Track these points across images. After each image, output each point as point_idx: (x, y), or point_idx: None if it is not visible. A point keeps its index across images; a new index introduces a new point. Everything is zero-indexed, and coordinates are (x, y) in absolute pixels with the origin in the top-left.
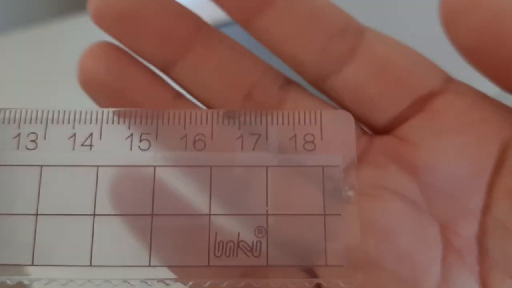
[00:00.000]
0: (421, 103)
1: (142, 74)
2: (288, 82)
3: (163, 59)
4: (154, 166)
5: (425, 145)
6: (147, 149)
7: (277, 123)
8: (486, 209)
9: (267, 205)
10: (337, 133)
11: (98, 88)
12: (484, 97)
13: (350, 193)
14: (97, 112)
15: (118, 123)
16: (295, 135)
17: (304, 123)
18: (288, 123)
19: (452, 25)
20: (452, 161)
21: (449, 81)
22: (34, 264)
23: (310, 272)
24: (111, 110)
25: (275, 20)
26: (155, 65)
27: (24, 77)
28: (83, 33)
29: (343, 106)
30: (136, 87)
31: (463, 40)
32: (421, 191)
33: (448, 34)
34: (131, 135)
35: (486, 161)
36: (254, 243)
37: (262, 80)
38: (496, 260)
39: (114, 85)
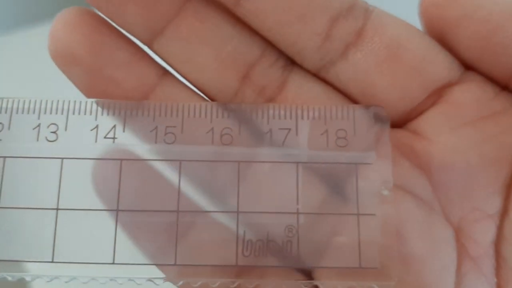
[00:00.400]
0: (437, 94)
1: (122, 46)
2: (290, 63)
3: (146, 29)
4: (180, 161)
5: (441, 141)
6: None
7: (308, 118)
8: (504, 212)
9: (297, 203)
10: (371, 129)
11: (71, 62)
12: (504, 87)
13: (385, 192)
14: (120, 104)
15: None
16: (326, 131)
17: (336, 118)
18: (320, 118)
19: (445, 41)
20: (469, 159)
21: (466, 70)
22: (54, 261)
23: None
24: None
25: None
26: (136, 36)
27: (27, 77)
28: None
29: (349, 97)
30: (115, 62)
31: (463, 56)
32: (434, 191)
33: (445, 45)
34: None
35: (505, 159)
36: (284, 243)
37: (262, 60)
38: None
39: (90, 59)
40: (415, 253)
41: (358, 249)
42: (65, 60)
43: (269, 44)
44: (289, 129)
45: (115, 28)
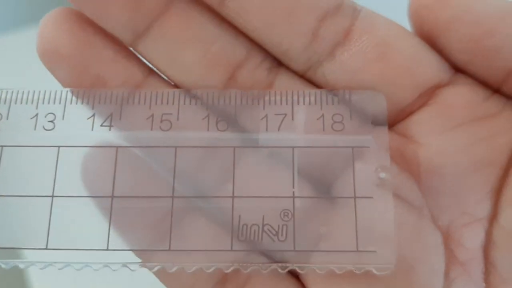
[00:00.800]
0: (427, 96)
1: (108, 45)
2: (277, 65)
3: (129, 30)
4: (175, 147)
5: (430, 144)
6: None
7: (304, 103)
8: (493, 217)
9: (293, 187)
10: (368, 113)
11: (57, 60)
12: (496, 90)
13: (383, 175)
14: (117, 93)
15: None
16: (322, 115)
17: (332, 103)
18: (316, 103)
19: (435, 44)
20: (458, 162)
21: (457, 71)
22: (48, 247)
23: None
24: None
25: None
26: (121, 38)
27: (25, 75)
28: None
29: None
30: (100, 60)
31: (454, 59)
32: (423, 195)
33: (434, 47)
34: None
35: (495, 163)
36: (280, 227)
37: (249, 60)
38: (503, 276)
39: (75, 57)
40: (403, 258)
41: (355, 232)
42: (52, 59)
43: (255, 44)
44: (285, 114)
45: (102, 28)
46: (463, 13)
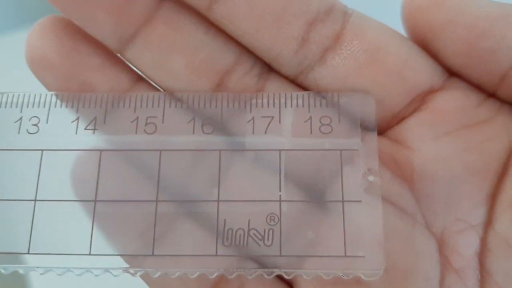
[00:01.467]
0: (420, 101)
1: (96, 52)
2: (267, 71)
3: (116, 37)
4: (160, 150)
5: (423, 150)
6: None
7: (291, 106)
8: (488, 223)
9: (280, 191)
10: (356, 116)
11: (46, 68)
12: (489, 95)
13: (371, 179)
14: (102, 96)
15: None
16: (310, 118)
17: (320, 105)
18: (303, 106)
19: (430, 48)
20: (452, 168)
21: (450, 76)
22: (30, 252)
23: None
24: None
25: (240, 3)
26: (108, 45)
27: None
28: None
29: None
30: (88, 67)
31: (449, 62)
32: (417, 202)
33: (428, 50)
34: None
35: (490, 168)
36: (266, 231)
37: (237, 67)
38: (499, 284)
39: (63, 64)
40: (397, 266)
41: (343, 237)
42: (39, 66)
43: (244, 50)
44: (272, 117)
45: (90, 35)
46: (458, 15)
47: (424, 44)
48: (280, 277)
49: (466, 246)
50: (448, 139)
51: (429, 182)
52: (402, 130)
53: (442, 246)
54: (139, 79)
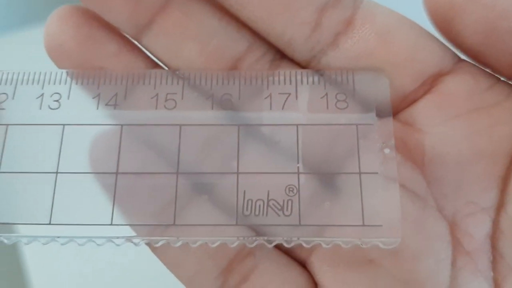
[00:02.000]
0: (430, 84)
1: (112, 39)
2: (280, 57)
3: (132, 24)
4: (180, 125)
5: (433, 132)
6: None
7: (307, 83)
8: (499, 206)
9: (298, 163)
10: (371, 92)
11: (64, 54)
12: (498, 79)
13: (387, 151)
14: (127, 74)
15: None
16: (326, 94)
17: (336, 82)
18: (319, 83)
19: (450, 27)
20: (462, 151)
21: (459, 60)
22: (51, 223)
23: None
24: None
25: None
26: (125, 31)
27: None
28: None
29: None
30: (104, 54)
31: (468, 42)
32: (427, 184)
33: (446, 36)
34: None
35: (500, 151)
36: (285, 202)
37: (250, 53)
38: (511, 265)
39: (81, 51)
40: (409, 249)
41: (361, 207)
42: (57, 53)
43: (257, 37)
44: (289, 94)
45: (106, 22)
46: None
47: (445, 23)
48: (294, 258)
49: (478, 228)
50: (458, 122)
51: (439, 165)
52: (412, 113)
53: (453, 229)
54: (155, 66)
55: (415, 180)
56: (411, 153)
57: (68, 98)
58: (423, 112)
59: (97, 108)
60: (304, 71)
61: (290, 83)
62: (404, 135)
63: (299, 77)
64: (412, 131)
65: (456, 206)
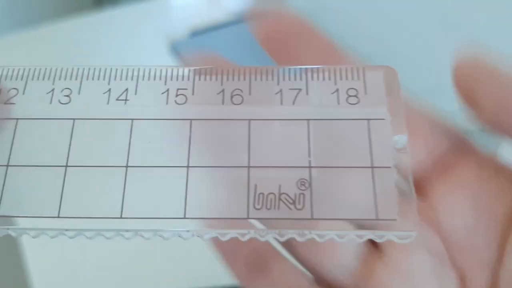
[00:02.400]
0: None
1: None
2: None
3: None
4: (191, 120)
5: (443, 203)
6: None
7: (318, 79)
8: (499, 260)
9: (309, 156)
10: (382, 87)
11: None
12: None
13: (399, 146)
14: (133, 69)
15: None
16: (337, 90)
17: (346, 78)
18: (330, 78)
19: (473, 100)
20: (467, 216)
21: (462, 139)
22: (60, 216)
23: (361, 227)
24: (147, 67)
25: None
26: None
27: None
28: (97, 31)
29: None
30: None
31: (488, 108)
32: (443, 244)
33: (469, 109)
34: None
35: (498, 213)
36: (297, 196)
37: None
38: None
39: None
40: None
41: (374, 201)
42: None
43: None
44: (300, 89)
45: None
46: (495, 73)
47: (469, 93)
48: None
49: (480, 280)
50: (462, 191)
51: (451, 230)
52: (426, 186)
53: (462, 281)
54: None
55: (433, 240)
56: (428, 220)
57: (79, 93)
58: (433, 184)
59: (108, 103)
60: (315, 67)
61: (301, 79)
62: (421, 204)
63: (309, 73)
64: (426, 201)
65: (464, 261)
